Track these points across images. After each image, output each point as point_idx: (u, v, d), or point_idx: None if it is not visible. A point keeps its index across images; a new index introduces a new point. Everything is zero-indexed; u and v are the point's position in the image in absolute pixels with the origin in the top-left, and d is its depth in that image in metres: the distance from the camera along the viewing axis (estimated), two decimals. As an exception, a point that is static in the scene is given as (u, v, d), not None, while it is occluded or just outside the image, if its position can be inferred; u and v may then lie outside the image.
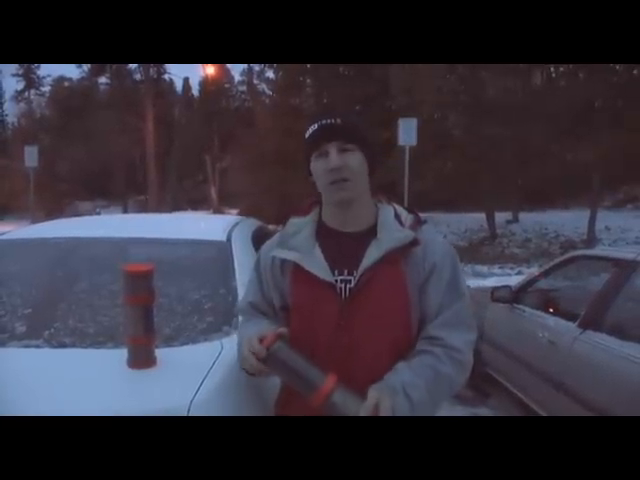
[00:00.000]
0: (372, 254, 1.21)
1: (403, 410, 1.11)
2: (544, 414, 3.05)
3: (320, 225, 1.31)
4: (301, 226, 1.30)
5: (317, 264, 1.22)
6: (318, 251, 1.25)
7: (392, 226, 1.25)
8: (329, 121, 1.23)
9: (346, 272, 1.22)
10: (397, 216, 1.28)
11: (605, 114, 13.44)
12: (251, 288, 1.38)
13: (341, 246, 1.25)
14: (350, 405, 1.08)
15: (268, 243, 1.37)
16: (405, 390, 1.12)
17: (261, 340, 1.14)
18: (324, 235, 1.28)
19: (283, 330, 1.17)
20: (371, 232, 1.25)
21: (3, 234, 2.42)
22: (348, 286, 1.21)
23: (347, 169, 1.21)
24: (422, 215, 1.31)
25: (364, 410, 1.06)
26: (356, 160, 1.23)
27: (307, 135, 1.26)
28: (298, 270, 1.24)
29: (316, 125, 1.24)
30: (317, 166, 1.24)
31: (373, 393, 1.09)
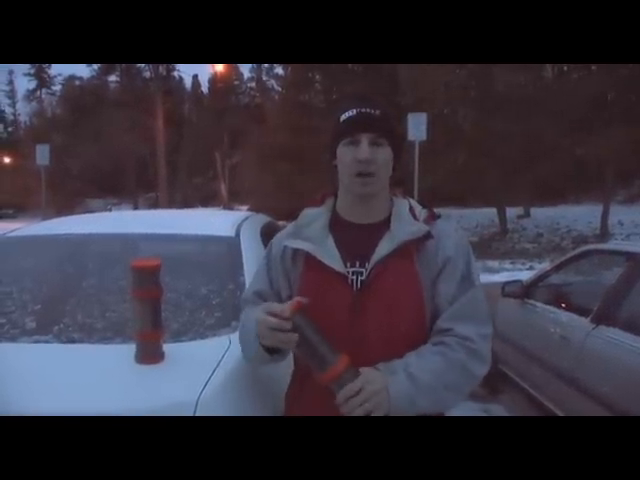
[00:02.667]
0: (384, 246, 1.20)
1: (403, 389, 1.09)
2: (556, 410, 3.03)
3: (334, 216, 1.30)
4: (315, 217, 1.29)
5: (330, 255, 1.21)
6: (331, 242, 1.24)
7: (406, 219, 1.24)
8: (368, 110, 1.20)
9: (358, 264, 1.21)
10: (411, 210, 1.27)
11: (617, 108, 13.29)
12: (258, 277, 1.37)
13: (354, 238, 1.24)
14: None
15: (281, 233, 1.36)
16: (407, 370, 1.11)
17: (275, 314, 1.10)
18: (338, 226, 1.27)
19: (302, 299, 1.13)
20: (385, 224, 1.24)
21: (15, 230, 2.43)
22: (360, 278, 1.20)
23: (375, 164, 1.19)
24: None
25: (349, 389, 1.05)
26: (385, 155, 1.21)
27: (341, 119, 1.22)
28: (310, 260, 1.23)
29: (354, 111, 1.21)
30: (345, 152, 1.22)
31: (363, 376, 1.07)
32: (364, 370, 1.09)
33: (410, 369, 1.11)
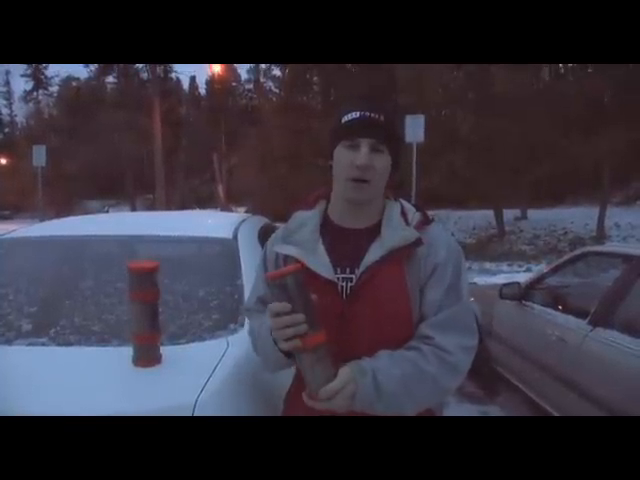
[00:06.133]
0: (374, 253, 1.17)
1: (366, 394, 1.07)
2: (553, 412, 3.03)
3: (325, 220, 1.27)
4: (305, 220, 1.26)
5: (319, 262, 1.19)
6: (321, 248, 1.21)
7: (397, 224, 1.21)
8: (371, 115, 1.17)
9: (348, 270, 1.19)
10: (404, 214, 1.24)
11: (614, 109, 13.33)
12: (258, 283, 1.34)
13: (345, 243, 1.21)
14: (320, 370, 1.05)
15: (273, 237, 1.34)
16: (375, 375, 1.08)
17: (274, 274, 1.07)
18: (328, 231, 1.25)
19: (300, 265, 1.12)
20: (375, 229, 1.21)
21: (11, 232, 2.42)
22: (349, 284, 1.18)
23: (372, 170, 1.16)
24: (429, 213, 1.27)
25: (326, 392, 1.03)
26: (383, 163, 1.18)
27: (343, 120, 1.18)
28: None
29: (357, 114, 1.17)
30: (343, 155, 1.18)
31: (341, 377, 1.05)
32: (345, 372, 1.06)
33: (378, 375, 1.08)
